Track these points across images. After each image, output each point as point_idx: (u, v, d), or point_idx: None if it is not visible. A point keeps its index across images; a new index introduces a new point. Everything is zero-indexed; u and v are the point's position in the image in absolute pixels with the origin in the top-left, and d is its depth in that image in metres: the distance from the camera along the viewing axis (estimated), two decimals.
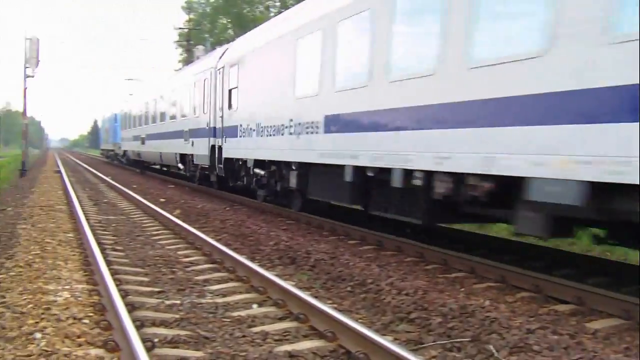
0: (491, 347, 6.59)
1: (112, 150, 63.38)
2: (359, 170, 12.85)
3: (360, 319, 7.94)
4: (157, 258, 11.80)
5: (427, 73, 10.43)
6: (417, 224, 12.38)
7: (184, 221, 15.76)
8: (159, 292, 9.18)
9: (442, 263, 11.12)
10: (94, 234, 13.07)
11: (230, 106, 21.53)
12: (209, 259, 11.70)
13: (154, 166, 42.87)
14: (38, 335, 6.51)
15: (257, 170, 19.35)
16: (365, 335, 6.29)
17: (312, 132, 14.90)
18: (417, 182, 10.78)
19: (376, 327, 7.59)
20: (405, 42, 11.46)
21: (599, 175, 7.27)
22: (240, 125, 20.24)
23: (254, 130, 18.98)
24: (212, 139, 23.53)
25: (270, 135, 17.63)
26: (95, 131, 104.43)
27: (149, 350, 6.05)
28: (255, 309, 8.30)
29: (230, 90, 21.45)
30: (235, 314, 8.04)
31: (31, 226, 14.62)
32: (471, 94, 9.45)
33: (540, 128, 8.20)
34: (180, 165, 30.34)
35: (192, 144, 26.62)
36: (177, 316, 7.80)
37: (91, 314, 7.51)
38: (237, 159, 21.07)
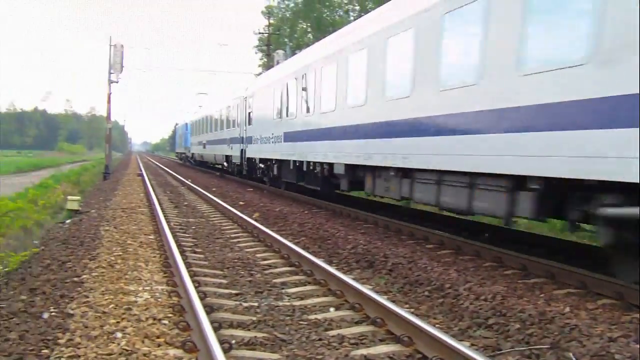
0: (571, 355, 6.47)
1: (184, 153, 77.62)
2: (295, 162, 23.08)
3: (437, 324, 7.90)
4: (236, 260, 11.94)
5: (308, 116, 21.33)
6: (319, 190, 21.75)
7: (262, 224, 15.90)
8: (236, 294, 9.29)
9: (521, 268, 10.95)
10: (174, 236, 13.31)
11: (249, 123, 32.00)
12: (287, 262, 11.79)
13: (217, 165, 50.35)
14: (119, 334, 6.66)
15: (260, 165, 30.10)
16: (442, 340, 6.25)
17: (279, 142, 25.09)
18: (311, 167, 21.17)
19: (453, 332, 7.54)
20: (308, 98, 21.46)
21: (350, 160, 17.21)
22: (253, 136, 30.69)
23: (258, 139, 29.46)
24: (241, 145, 33.79)
25: (264, 142, 27.96)
26: (175, 135, 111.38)
27: (226, 351, 6.14)
28: (332, 312, 8.33)
29: (249, 113, 32.27)
30: (312, 317, 8.08)
31: (113, 228, 14.96)
32: (319, 126, 20.06)
33: (336, 141, 18.32)
34: (225, 164, 41.79)
35: (231, 148, 37.23)
36: (254, 318, 7.88)
37: (170, 315, 7.66)
38: (252, 158, 31.48)
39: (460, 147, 11.53)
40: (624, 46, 7.85)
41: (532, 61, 9.59)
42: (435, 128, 12.53)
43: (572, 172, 8.69)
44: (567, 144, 8.76)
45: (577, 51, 8.71)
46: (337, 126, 18.20)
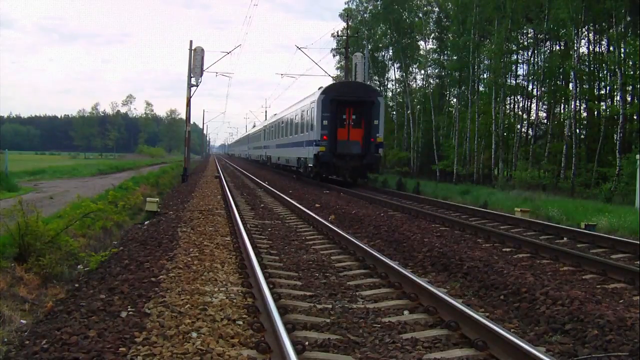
0: None
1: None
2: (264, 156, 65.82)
3: (512, 328, 7.79)
4: (311, 262, 11.98)
5: (265, 142, 65.39)
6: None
7: (338, 227, 15.91)
8: (311, 296, 9.32)
9: (601, 273, 10.73)
10: (250, 238, 13.38)
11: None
12: (361, 264, 11.77)
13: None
14: (194, 334, 6.74)
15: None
16: (517, 345, 6.15)
17: (265, 148, 66.45)
18: (272, 160, 58.24)
19: (529, 337, 7.43)
20: (267, 134, 63.82)
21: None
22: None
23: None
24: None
25: (278, 148, 54.21)
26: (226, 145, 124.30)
27: (299, 353, 6.15)
28: (406, 316, 8.29)
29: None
30: (386, 319, 8.06)
31: (190, 229, 15.16)
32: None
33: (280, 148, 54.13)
34: (281, 162, 56.93)
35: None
36: (328, 320, 7.89)
37: (245, 316, 7.70)
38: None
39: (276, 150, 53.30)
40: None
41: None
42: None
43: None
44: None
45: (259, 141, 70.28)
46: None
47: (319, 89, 35.51)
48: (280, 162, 50.59)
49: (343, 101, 33.93)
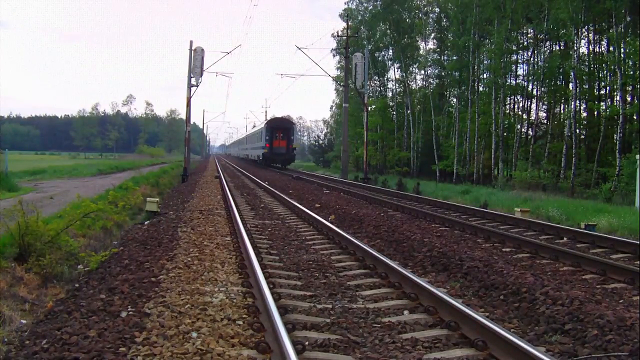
0: None
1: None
2: (246, 154, 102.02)
3: (512, 328, 7.78)
4: (311, 262, 11.96)
5: (245, 146, 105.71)
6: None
7: (338, 227, 15.90)
8: (310, 296, 9.31)
9: (601, 273, 10.73)
10: (250, 238, 13.37)
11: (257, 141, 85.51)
12: (361, 264, 11.76)
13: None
14: (194, 334, 6.74)
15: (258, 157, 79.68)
16: (517, 345, 6.14)
17: (245, 149, 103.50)
18: (249, 156, 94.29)
19: (529, 337, 7.42)
20: (246, 141, 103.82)
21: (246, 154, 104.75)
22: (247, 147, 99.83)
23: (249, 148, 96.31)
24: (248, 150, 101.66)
25: (251, 149, 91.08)
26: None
27: (299, 352, 6.15)
28: (406, 316, 8.28)
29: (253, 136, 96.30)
30: (386, 319, 8.04)
31: (190, 229, 15.15)
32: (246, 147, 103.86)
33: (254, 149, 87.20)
34: (251, 157, 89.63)
35: (251, 149, 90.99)
36: (328, 320, 7.87)
37: (245, 316, 7.69)
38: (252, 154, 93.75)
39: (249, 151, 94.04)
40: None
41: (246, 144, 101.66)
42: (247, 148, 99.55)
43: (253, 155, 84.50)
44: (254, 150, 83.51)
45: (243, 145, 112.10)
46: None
47: (266, 119, 71.87)
48: (251, 158, 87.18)
49: (276, 127, 66.21)
